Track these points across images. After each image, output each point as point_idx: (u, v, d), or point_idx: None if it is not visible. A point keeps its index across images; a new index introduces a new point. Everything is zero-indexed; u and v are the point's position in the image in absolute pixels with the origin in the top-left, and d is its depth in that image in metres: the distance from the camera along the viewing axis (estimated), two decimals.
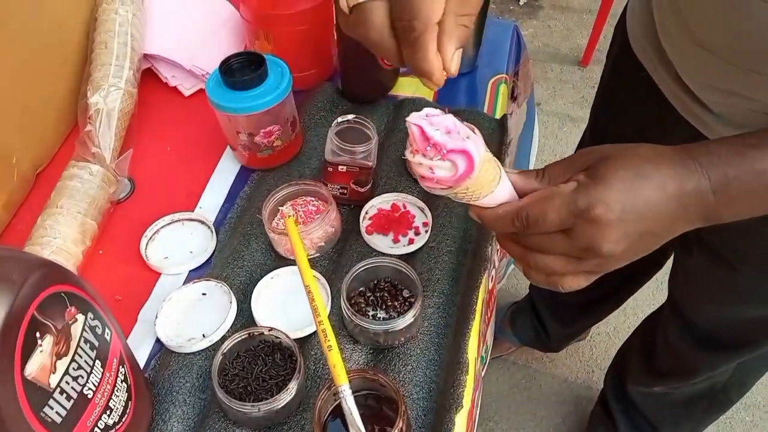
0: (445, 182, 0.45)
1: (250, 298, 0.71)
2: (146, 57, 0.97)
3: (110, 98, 0.86)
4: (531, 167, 1.25)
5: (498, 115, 0.95)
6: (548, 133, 2.22)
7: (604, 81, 0.96)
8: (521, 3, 2.73)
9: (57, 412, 0.50)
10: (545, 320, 1.53)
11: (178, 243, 0.79)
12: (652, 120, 0.81)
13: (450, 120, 0.45)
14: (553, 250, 0.48)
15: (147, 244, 0.79)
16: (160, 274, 0.77)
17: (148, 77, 0.98)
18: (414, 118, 0.44)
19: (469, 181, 0.45)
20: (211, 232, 0.80)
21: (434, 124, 0.44)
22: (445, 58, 0.43)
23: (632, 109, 0.87)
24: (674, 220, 0.47)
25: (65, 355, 0.51)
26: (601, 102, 0.99)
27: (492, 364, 1.69)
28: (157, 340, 0.70)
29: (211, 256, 0.78)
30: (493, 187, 0.48)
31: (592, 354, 1.71)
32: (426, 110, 0.45)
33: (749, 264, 0.79)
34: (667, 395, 1.20)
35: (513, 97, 1.06)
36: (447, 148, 0.44)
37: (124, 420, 0.59)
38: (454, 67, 0.44)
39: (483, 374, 1.01)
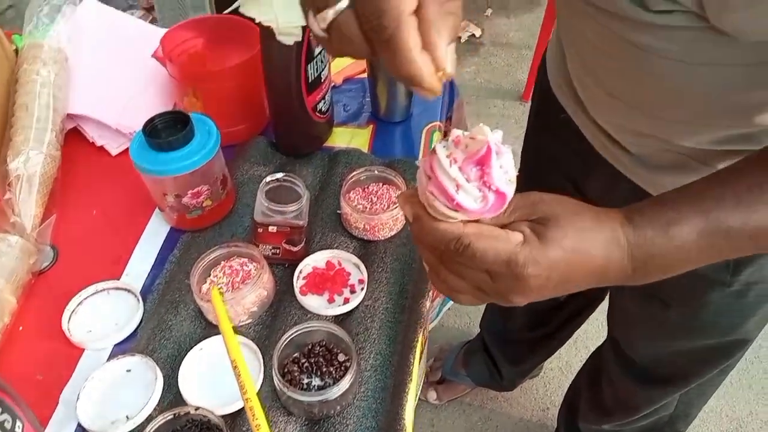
0: (462, 210, 0.42)
1: (178, 372, 0.68)
2: (71, 116, 0.94)
3: (31, 163, 0.83)
4: None
5: None
6: None
7: (530, 123, 0.98)
8: (462, 40, 2.79)
9: None
10: (497, 360, 1.53)
11: (102, 315, 0.76)
12: (576, 160, 0.83)
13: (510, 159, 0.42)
14: (470, 281, 0.48)
15: (70, 317, 0.75)
16: (83, 349, 0.73)
17: (73, 137, 0.95)
18: (496, 140, 0.40)
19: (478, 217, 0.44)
20: (138, 300, 0.76)
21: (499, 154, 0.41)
22: (436, 54, 0.37)
23: (556, 151, 0.89)
24: (587, 284, 0.48)
25: None
26: (528, 146, 1.01)
27: (448, 408, 1.67)
28: (79, 425, 0.66)
29: (138, 327, 0.75)
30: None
31: (546, 390, 1.71)
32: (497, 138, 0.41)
33: (676, 300, 0.81)
34: None
35: None
36: (496, 185, 0.41)
37: None
38: (450, 65, 0.38)
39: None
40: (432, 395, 1.65)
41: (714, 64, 0.54)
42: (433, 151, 0.43)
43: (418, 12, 0.36)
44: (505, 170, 0.42)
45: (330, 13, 0.37)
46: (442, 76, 0.37)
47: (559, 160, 0.89)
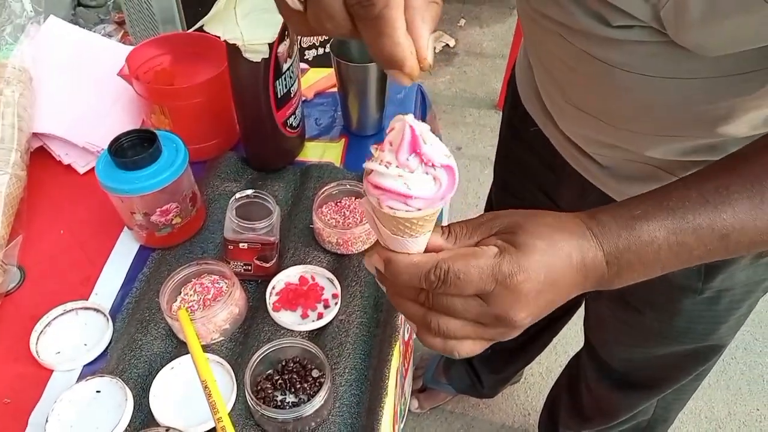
0: (422, 200, 0.39)
1: (149, 393, 0.67)
2: (37, 135, 0.93)
3: None
4: (445, 217, 1.26)
5: None
6: (471, 177, 2.26)
7: (502, 135, 0.98)
8: (436, 51, 2.81)
9: None
10: (477, 367, 1.53)
11: (71, 335, 0.74)
12: (547, 172, 0.83)
13: (434, 137, 0.40)
14: (464, 314, 0.45)
15: (38, 338, 0.74)
16: (52, 371, 0.72)
17: (39, 156, 0.93)
18: (410, 120, 0.38)
19: (442, 203, 0.41)
20: (107, 320, 0.75)
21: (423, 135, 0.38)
22: (419, 42, 0.35)
23: (528, 162, 0.89)
24: (575, 288, 0.47)
25: None
26: (501, 156, 1.01)
27: (429, 416, 1.67)
28: None
29: (107, 347, 0.74)
30: (431, 228, 0.44)
31: (527, 396, 1.71)
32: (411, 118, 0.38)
33: (650, 306, 0.81)
34: None
35: None
36: (439, 161, 0.39)
37: None
38: (430, 55, 0.36)
39: (401, 428, 0.99)
40: (414, 404, 1.65)
41: (676, 77, 0.55)
42: (367, 172, 0.40)
43: None
44: (437, 147, 0.39)
45: None
46: (423, 65, 0.36)
47: (531, 170, 0.89)
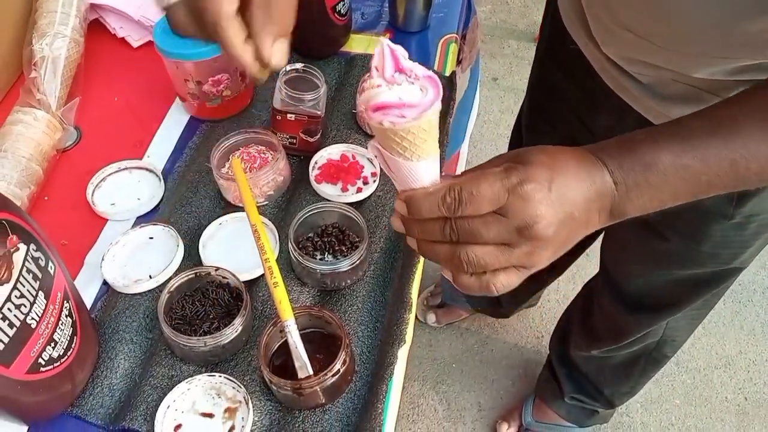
0: (414, 107, 0.44)
1: (198, 242, 0.72)
2: (94, 7, 0.95)
3: (56, 46, 0.85)
4: (468, 133, 1.27)
5: (447, 73, 0.97)
6: (504, 108, 2.25)
7: (538, 56, 0.98)
8: None
9: None
10: None
11: (125, 191, 0.79)
12: (584, 95, 0.83)
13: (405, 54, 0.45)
14: (486, 233, 0.46)
15: (93, 191, 0.78)
16: (107, 220, 0.77)
17: (95, 28, 0.96)
18: (386, 42, 0.44)
19: (431, 112, 0.45)
20: (159, 179, 0.79)
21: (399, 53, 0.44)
22: (260, 49, 0.44)
23: (565, 83, 0.89)
24: (590, 205, 0.48)
25: (7, 282, 0.51)
26: (535, 78, 1.01)
27: (445, 330, 1.73)
28: (104, 283, 0.70)
29: (159, 203, 0.78)
30: (434, 149, 0.48)
31: (542, 320, 1.76)
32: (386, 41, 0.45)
33: (675, 232, 0.82)
34: (606, 359, 1.25)
35: (458, 61, 1.08)
36: (422, 73, 0.44)
37: (69, 354, 0.59)
38: (275, 59, 0.45)
39: None
40: (431, 318, 1.70)
41: None
42: (366, 102, 0.45)
43: (243, 14, 0.43)
44: (416, 64, 0.45)
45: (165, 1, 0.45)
46: (268, 66, 0.45)
47: (567, 94, 0.89)
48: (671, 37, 0.63)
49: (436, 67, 0.99)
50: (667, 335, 1.12)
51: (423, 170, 0.48)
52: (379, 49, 0.44)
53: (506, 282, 0.48)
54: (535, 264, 0.48)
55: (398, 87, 0.43)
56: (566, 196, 0.46)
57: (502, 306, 1.61)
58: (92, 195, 0.78)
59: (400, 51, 0.44)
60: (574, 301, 1.39)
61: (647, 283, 0.99)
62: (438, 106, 0.45)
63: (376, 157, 0.49)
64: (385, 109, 0.44)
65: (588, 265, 1.74)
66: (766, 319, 1.77)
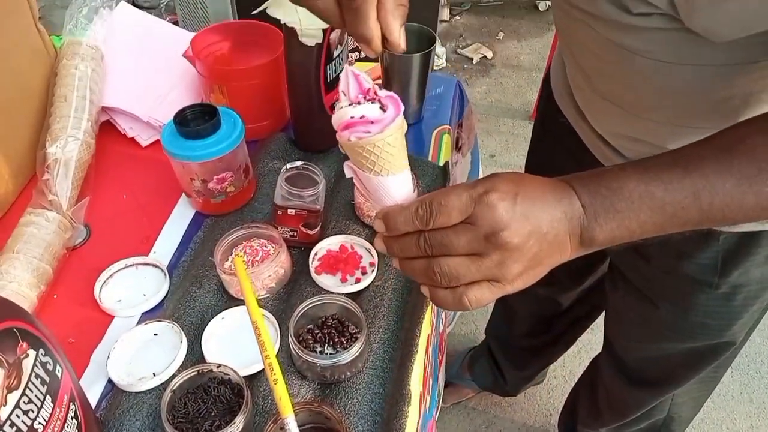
0: (377, 123, 0.49)
1: (201, 338, 0.74)
2: (105, 110, 1.01)
3: (68, 148, 0.89)
4: None
5: (441, 162, 1.01)
6: None
7: (535, 132, 1.03)
8: (474, 62, 2.87)
9: None
10: (501, 365, 1.56)
11: (131, 286, 0.81)
12: (574, 166, 0.87)
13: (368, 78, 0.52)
14: (457, 242, 0.49)
15: (101, 288, 0.81)
16: (113, 316, 0.79)
17: (106, 129, 1.01)
18: (350, 68, 0.50)
19: (394, 126, 0.50)
20: (165, 275, 0.82)
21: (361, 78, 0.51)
22: (390, 32, 0.48)
23: (560, 160, 0.93)
24: (558, 224, 0.49)
25: (16, 388, 0.53)
26: (532, 151, 1.06)
27: (452, 410, 1.71)
28: (109, 381, 0.72)
29: (164, 298, 0.81)
30: (402, 165, 0.52)
31: (549, 397, 1.74)
32: (350, 67, 0.51)
33: (666, 300, 0.84)
34: None
35: (458, 147, 1.13)
36: (382, 94, 0.50)
37: None
38: (402, 41, 0.49)
39: (437, 416, 1.03)
40: None
41: (693, 63, 0.58)
42: (335, 124, 0.51)
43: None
44: (376, 86, 0.50)
45: None
46: (394, 46, 0.49)
47: (559, 165, 0.93)
48: (638, 102, 0.67)
49: (430, 157, 1.03)
50: (673, 411, 1.12)
51: (394, 185, 0.53)
52: (344, 74, 0.50)
53: (479, 295, 0.50)
54: (505, 276, 0.49)
55: (361, 106, 0.50)
56: (532, 210, 0.49)
57: (508, 384, 1.60)
58: (99, 292, 0.80)
59: (363, 76, 0.50)
60: (581, 377, 1.39)
61: (646, 357, 1.01)
62: (400, 121, 0.51)
63: (352, 178, 0.55)
64: (352, 126, 0.50)
65: (593, 340, 1.74)
66: None
